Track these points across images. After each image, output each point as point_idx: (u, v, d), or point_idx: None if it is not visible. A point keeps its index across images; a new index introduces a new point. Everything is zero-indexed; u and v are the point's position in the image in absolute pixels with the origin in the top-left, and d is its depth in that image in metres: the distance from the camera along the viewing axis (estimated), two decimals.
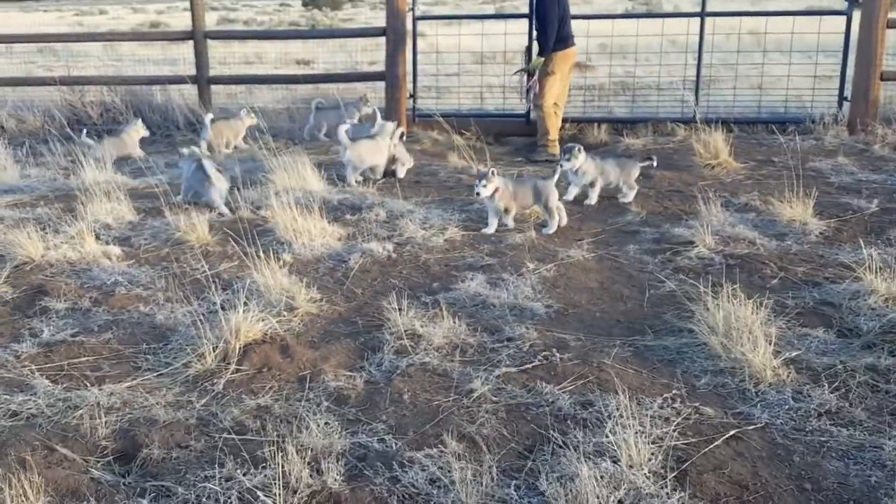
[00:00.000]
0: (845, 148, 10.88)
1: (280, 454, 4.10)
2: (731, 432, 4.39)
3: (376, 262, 7.14)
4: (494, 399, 4.80)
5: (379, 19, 13.09)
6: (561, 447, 4.28)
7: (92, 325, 6.04)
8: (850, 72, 11.98)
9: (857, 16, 11.78)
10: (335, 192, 9.37)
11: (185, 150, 9.27)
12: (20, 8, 45.40)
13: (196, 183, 8.93)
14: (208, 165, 8.90)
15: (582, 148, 8.75)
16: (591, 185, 8.83)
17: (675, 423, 4.44)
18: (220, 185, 8.87)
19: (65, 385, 5.11)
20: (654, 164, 9.03)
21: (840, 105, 12.18)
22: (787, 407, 4.65)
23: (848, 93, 12.03)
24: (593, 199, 8.86)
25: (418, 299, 6.31)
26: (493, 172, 7.78)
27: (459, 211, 8.52)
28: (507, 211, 7.98)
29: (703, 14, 12.37)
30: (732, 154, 10.26)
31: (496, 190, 7.81)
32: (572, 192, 8.93)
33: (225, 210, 8.72)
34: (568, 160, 8.58)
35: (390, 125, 10.17)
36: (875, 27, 11.49)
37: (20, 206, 9.21)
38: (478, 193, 7.77)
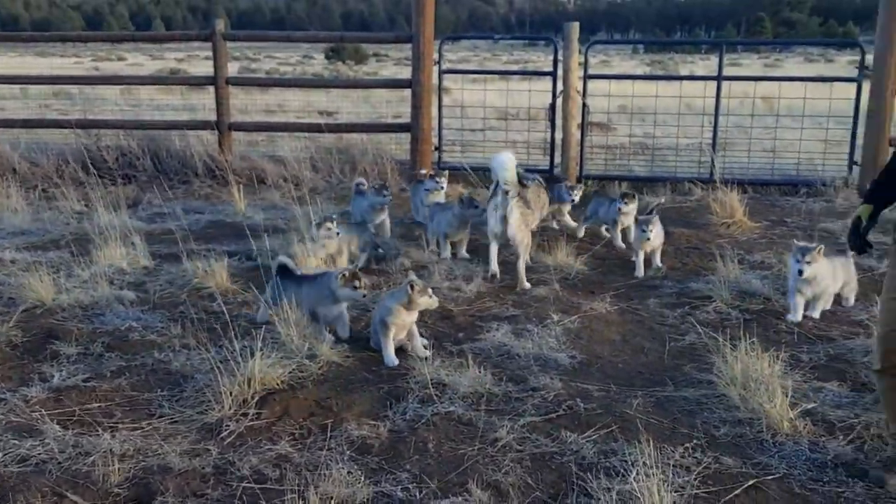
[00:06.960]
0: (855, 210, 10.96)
1: (301, 503, 4.15)
2: (751, 482, 4.49)
3: None
4: (519, 448, 4.88)
5: (402, 74, 13.19)
6: (585, 496, 4.37)
7: (104, 370, 5.96)
8: (859, 138, 12.31)
9: (866, 84, 12.12)
10: None
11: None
12: (36, 53, 45.72)
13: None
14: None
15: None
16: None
17: (696, 472, 4.55)
18: None
19: (76, 431, 5.05)
20: None
21: (850, 169, 12.51)
22: (804, 458, 4.76)
23: (858, 157, 12.33)
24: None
25: (444, 349, 6.38)
26: (819, 249, 6.80)
27: (485, 262, 8.48)
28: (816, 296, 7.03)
29: (719, 78, 12.69)
30: (747, 214, 10.39)
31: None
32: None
33: None
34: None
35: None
36: (884, 95, 11.77)
37: (32, 249, 9.10)
38: (800, 272, 6.76)
